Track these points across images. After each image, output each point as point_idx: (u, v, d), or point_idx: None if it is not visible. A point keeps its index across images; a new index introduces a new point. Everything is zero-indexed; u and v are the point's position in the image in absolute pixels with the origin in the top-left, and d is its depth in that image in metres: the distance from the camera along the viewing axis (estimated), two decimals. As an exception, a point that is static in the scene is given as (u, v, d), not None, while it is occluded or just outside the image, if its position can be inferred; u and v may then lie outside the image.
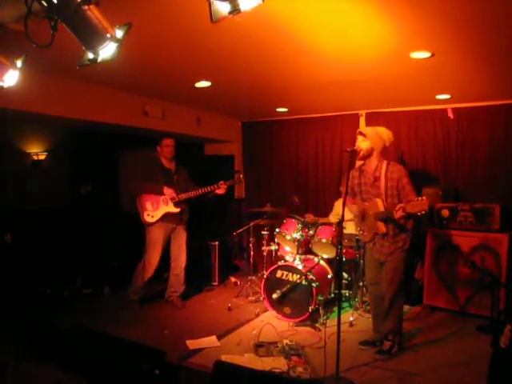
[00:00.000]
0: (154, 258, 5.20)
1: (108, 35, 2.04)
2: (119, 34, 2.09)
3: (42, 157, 6.93)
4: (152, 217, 5.13)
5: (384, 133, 3.93)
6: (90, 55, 2.11)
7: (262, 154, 7.56)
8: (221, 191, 5.20)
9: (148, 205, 5.15)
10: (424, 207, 3.40)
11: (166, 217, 5.15)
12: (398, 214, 3.59)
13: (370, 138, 3.83)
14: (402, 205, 3.61)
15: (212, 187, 5.19)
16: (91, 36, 2.02)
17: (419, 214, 3.46)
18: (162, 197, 5.12)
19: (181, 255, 5.36)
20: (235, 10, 1.88)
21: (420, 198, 3.44)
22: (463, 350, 4.03)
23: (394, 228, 3.82)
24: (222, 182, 5.18)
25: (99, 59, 2.11)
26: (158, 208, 5.13)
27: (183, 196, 5.17)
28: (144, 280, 5.24)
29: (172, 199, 5.12)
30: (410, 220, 3.79)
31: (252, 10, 1.96)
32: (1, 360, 3.76)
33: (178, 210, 5.15)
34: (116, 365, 2.63)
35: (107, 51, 2.10)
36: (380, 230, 3.83)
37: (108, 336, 2.82)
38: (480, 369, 3.25)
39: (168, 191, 5.12)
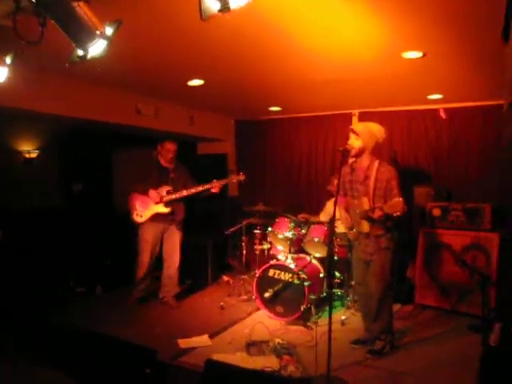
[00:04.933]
0: (144, 257, 5.18)
1: (98, 32, 2.03)
2: (109, 31, 2.08)
3: (34, 155, 6.88)
4: (141, 216, 5.10)
5: (376, 129, 3.90)
6: (80, 52, 2.10)
7: (255, 153, 7.56)
8: (215, 190, 5.11)
9: (138, 204, 5.11)
10: (398, 208, 3.41)
11: (157, 217, 5.11)
12: (376, 214, 3.61)
13: (362, 136, 3.82)
14: (380, 205, 3.63)
15: (206, 186, 5.09)
16: (80, 33, 2.00)
17: (394, 215, 3.47)
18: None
19: (173, 255, 5.31)
20: (225, 7, 1.87)
21: (396, 200, 3.45)
22: (454, 349, 4.05)
23: (377, 228, 3.80)
24: (215, 180, 5.10)
25: (88, 56, 2.10)
26: (147, 208, 5.09)
27: (169, 197, 5.09)
28: (137, 278, 5.24)
29: (156, 203, 5.07)
30: (389, 221, 3.75)
31: (243, 7, 1.96)
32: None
33: (167, 210, 5.09)
34: (107, 363, 2.62)
35: (97, 48, 2.09)
36: (364, 229, 3.83)
37: (99, 335, 2.82)
38: (471, 367, 3.29)
39: (153, 194, 5.05)
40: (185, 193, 5.10)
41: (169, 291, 5.36)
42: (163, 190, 5.10)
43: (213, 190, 5.11)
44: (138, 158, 6.04)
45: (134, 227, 5.21)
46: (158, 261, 5.36)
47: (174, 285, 5.38)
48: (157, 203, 5.06)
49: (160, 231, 5.23)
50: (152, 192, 5.06)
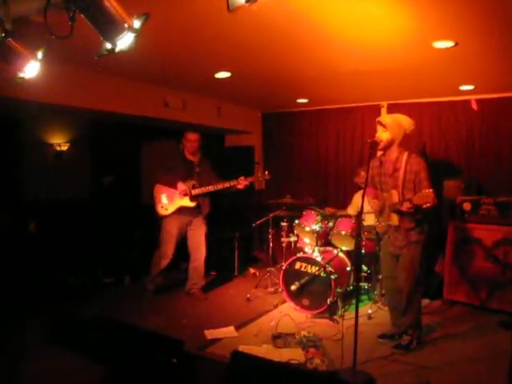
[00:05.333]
0: (168, 250, 5.21)
1: (126, 25, 2.04)
2: (137, 24, 2.09)
3: (65, 148, 7.01)
4: (166, 209, 5.14)
5: (404, 121, 3.86)
6: (108, 45, 2.12)
7: (281, 145, 7.53)
8: (240, 186, 5.12)
9: (163, 197, 5.15)
10: (429, 199, 3.34)
11: (182, 210, 5.14)
12: (405, 206, 3.56)
13: (389, 129, 3.77)
14: (409, 197, 3.58)
15: (232, 182, 5.11)
16: (109, 26, 2.03)
17: (425, 206, 3.39)
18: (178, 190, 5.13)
19: (199, 248, 5.33)
20: (252, -2, 1.86)
21: (427, 191, 3.38)
22: (484, 346, 3.97)
23: (407, 221, 3.75)
24: (242, 177, 5.11)
25: (117, 49, 2.12)
26: (172, 201, 5.13)
27: (198, 191, 5.11)
28: (158, 270, 5.29)
29: (185, 195, 5.10)
30: (419, 213, 3.68)
31: (269, -1, 1.94)
32: (24, 347, 3.86)
33: (193, 204, 5.13)
34: (134, 353, 2.66)
35: (125, 41, 2.11)
36: (393, 222, 3.79)
37: (127, 325, 2.86)
38: (501, 365, 3.22)
39: (181, 186, 5.09)
40: (211, 188, 5.12)
41: (196, 283, 5.40)
42: (189, 185, 5.13)
43: (238, 187, 5.13)
44: (165, 150, 6.09)
45: (158, 219, 5.25)
46: (181, 252, 5.40)
47: (200, 277, 5.42)
48: (184, 195, 5.09)
49: (185, 224, 5.26)
50: (181, 184, 5.10)
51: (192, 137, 5.19)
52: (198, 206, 5.19)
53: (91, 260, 5.96)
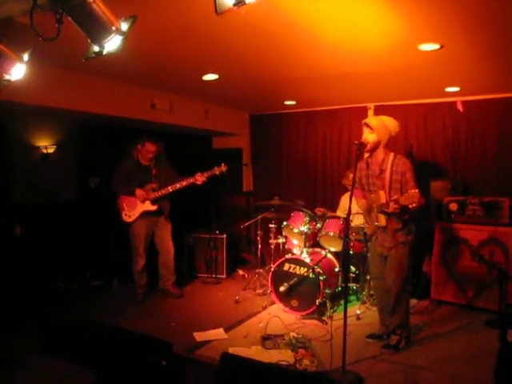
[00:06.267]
0: (140, 249, 5.30)
1: (113, 28, 2.04)
2: (124, 26, 2.09)
3: (51, 150, 6.93)
4: (129, 217, 5.23)
5: (390, 123, 3.89)
6: (96, 48, 2.11)
7: (270, 147, 7.54)
8: (198, 183, 5.16)
9: (125, 205, 5.23)
10: (414, 199, 3.36)
11: (145, 213, 5.22)
12: (391, 207, 3.60)
13: (376, 130, 3.80)
14: (396, 197, 3.60)
15: (190, 180, 5.16)
16: (96, 29, 2.02)
17: (410, 206, 3.42)
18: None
19: (167, 245, 5.45)
20: (240, 1, 1.86)
21: (412, 191, 3.40)
22: (471, 344, 4.01)
23: (394, 222, 3.77)
24: (199, 173, 5.16)
25: (104, 52, 2.12)
26: (135, 208, 5.21)
27: (157, 194, 5.18)
28: (139, 272, 5.34)
29: (143, 201, 5.16)
30: (406, 214, 3.72)
31: (258, 1, 1.95)
32: (12, 352, 3.81)
33: (155, 207, 5.20)
34: (123, 356, 2.64)
35: (112, 44, 2.10)
36: (381, 222, 3.81)
37: (115, 328, 2.84)
38: (488, 363, 3.26)
39: (139, 193, 5.14)
40: (170, 189, 5.19)
41: (168, 279, 5.52)
42: (149, 189, 5.19)
43: (197, 183, 5.18)
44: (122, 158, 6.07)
45: (125, 225, 5.32)
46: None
47: (170, 273, 5.53)
48: (144, 201, 5.17)
49: (151, 225, 5.35)
50: (139, 191, 5.16)
51: (152, 148, 5.23)
52: (159, 209, 5.26)
53: (79, 263, 5.91)
